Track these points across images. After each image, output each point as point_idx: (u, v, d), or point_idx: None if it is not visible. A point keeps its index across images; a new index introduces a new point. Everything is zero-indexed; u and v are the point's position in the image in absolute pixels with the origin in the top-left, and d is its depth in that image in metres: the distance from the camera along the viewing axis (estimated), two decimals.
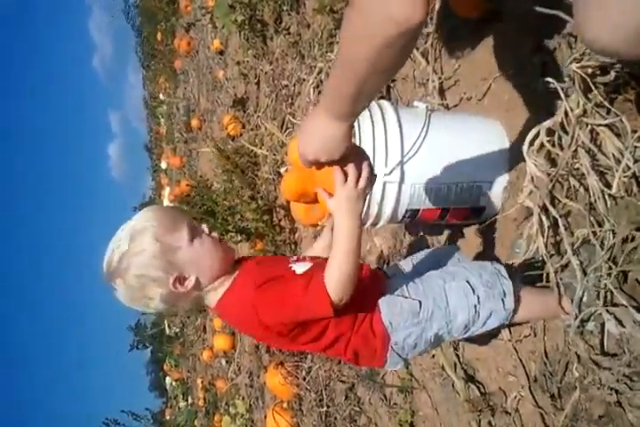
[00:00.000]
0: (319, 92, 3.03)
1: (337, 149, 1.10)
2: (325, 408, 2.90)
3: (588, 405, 1.35)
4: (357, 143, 1.54)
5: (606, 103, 1.29)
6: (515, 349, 1.65)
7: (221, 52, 5.74)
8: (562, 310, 1.39)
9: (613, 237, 1.28)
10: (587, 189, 1.36)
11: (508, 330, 1.68)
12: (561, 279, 1.40)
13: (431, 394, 2.05)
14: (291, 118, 3.53)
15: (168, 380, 10.04)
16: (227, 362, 5.30)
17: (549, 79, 1.39)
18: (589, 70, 1.29)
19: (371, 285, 1.35)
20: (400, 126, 1.58)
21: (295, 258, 1.38)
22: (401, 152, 1.56)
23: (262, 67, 4.10)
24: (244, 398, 4.65)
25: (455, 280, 1.34)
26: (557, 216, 1.41)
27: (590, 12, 0.71)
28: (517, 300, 1.34)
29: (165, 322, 9.40)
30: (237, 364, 4.91)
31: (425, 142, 1.59)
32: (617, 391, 1.25)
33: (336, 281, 1.13)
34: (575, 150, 1.35)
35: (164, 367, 9.96)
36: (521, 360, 1.63)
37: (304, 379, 3.13)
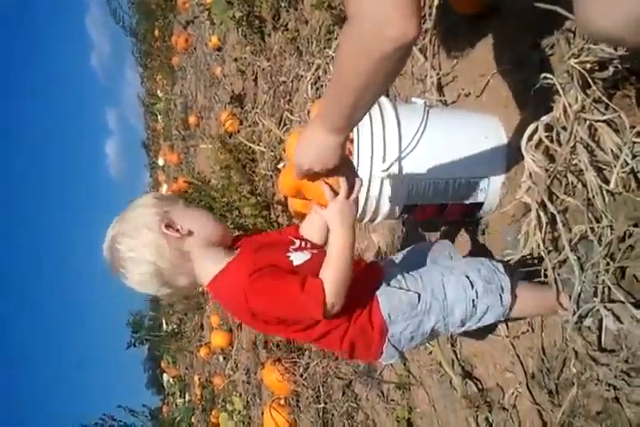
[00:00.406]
0: (317, 89, 3.02)
1: (331, 160, 1.15)
2: (323, 405, 2.89)
3: (586, 401, 1.35)
4: (355, 139, 1.54)
5: (605, 99, 1.29)
6: (512, 345, 1.65)
7: (219, 49, 5.72)
8: (559, 306, 1.39)
9: (611, 234, 1.28)
10: (585, 185, 1.36)
11: (505, 326, 1.68)
12: (559, 275, 1.40)
13: (428, 390, 2.05)
14: (288, 115, 3.52)
15: (165, 377, 10.03)
16: (224, 359, 5.30)
17: (548, 75, 1.39)
18: (588, 66, 1.29)
19: (367, 278, 1.35)
20: (398, 122, 1.58)
21: (296, 246, 1.36)
22: (399, 148, 1.56)
23: (260, 63, 4.09)
24: (241, 395, 4.65)
25: (454, 274, 1.35)
26: (555, 212, 1.40)
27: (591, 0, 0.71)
28: (514, 296, 1.35)
29: (163, 319, 9.40)
30: (235, 361, 4.90)
31: (423, 138, 1.58)
32: (615, 387, 1.25)
33: (329, 289, 1.15)
34: (573, 146, 1.35)
35: (162, 364, 9.95)
36: (518, 356, 1.63)
37: (301, 375, 3.13)
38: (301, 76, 3.29)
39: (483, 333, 1.75)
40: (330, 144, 1.11)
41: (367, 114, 1.56)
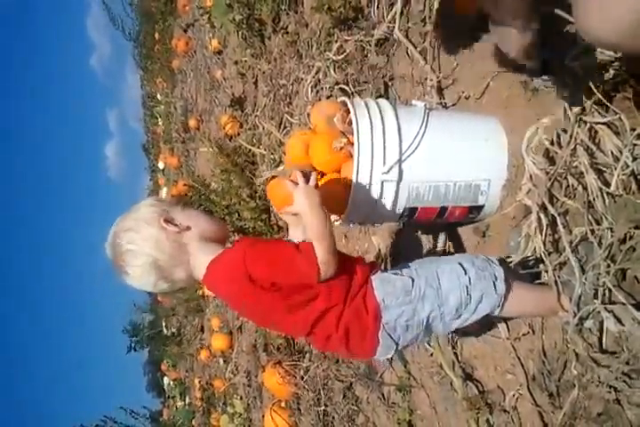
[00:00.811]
0: (317, 92, 3.02)
1: None
2: (323, 407, 2.89)
3: (587, 403, 1.36)
4: (356, 142, 1.54)
5: (605, 101, 1.29)
6: (513, 347, 1.65)
7: (219, 52, 5.73)
8: (560, 307, 1.39)
9: (612, 236, 1.28)
10: (585, 188, 1.37)
11: (506, 328, 1.68)
12: (559, 277, 1.40)
13: (429, 393, 2.05)
14: (289, 118, 3.52)
15: (166, 380, 10.03)
16: (224, 362, 5.30)
17: (548, 77, 1.39)
18: (589, 68, 1.29)
19: (363, 266, 1.40)
20: (398, 125, 1.58)
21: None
22: (399, 151, 1.56)
23: (260, 66, 4.09)
24: (241, 398, 4.65)
25: (448, 264, 1.38)
26: (556, 214, 1.41)
27: (587, 4, 0.72)
28: (509, 285, 1.35)
29: (163, 322, 9.40)
30: (235, 363, 4.91)
31: (423, 141, 1.58)
32: (616, 389, 1.26)
33: (320, 254, 1.25)
34: (574, 148, 1.35)
35: (162, 367, 9.96)
36: (519, 358, 1.63)
37: (302, 378, 3.13)
38: (301, 79, 3.29)
39: (483, 334, 1.76)
40: None
41: (368, 116, 1.57)
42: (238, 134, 4.75)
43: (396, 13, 2.19)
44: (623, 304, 1.25)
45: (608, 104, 1.30)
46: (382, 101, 1.67)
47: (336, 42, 2.70)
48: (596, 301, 1.30)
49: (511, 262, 1.49)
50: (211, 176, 5.09)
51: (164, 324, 9.41)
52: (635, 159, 1.24)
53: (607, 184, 1.31)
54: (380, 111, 1.61)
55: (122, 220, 1.38)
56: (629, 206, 1.24)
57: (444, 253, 1.94)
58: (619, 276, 1.28)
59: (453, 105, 1.95)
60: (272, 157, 3.78)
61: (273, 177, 1.67)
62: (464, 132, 1.68)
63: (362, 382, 2.53)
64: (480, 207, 1.67)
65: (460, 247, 1.88)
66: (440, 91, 2.02)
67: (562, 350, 1.47)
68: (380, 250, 2.45)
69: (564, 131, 1.38)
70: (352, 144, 1.57)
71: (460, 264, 1.37)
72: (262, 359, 4.00)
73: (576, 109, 1.34)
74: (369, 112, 1.59)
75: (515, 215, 1.61)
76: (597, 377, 1.29)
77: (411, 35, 2.16)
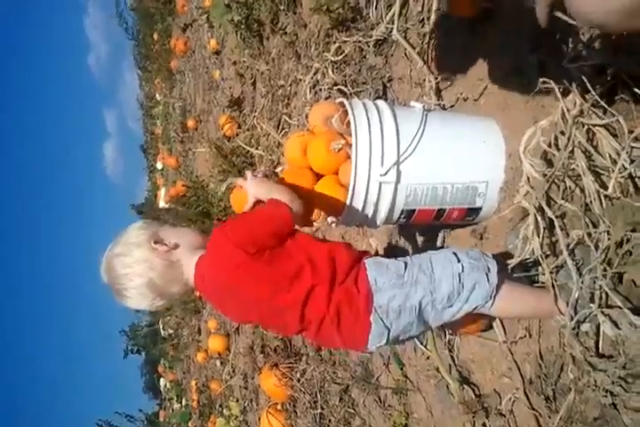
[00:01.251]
0: (315, 93, 3.02)
1: None
2: (320, 410, 2.89)
3: (583, 407, 1.35)
4: (354, 143, 1.53)
5: (603, 103, 1.29)
6: (510, 350, 1.65)
7: (218, 53, 5.73)
8: (557, 310, 1.38)
9: (609, 239, 1.28)
10: (582, 190, 1.36)
11: (502, 331, 1.68)
12: (556, 280, 1.40)
13: (425, 396, 2.04)
14: (287, 119, 3.52)
15: (162, 381, 10.01)
16: (221, 364, 5.28)
17: (546, 79, 1.38)
18: (586, 70, 1.29)
19: (347, 246, 1.44)
20: (397, 126, 1.57)
21: None
22: (397, 152, 1.55)
23: (259, 67, 4.08)
24: (238, 400, 4.63)
25: (442, 253, 1.42)
26: (553, 217, 1.40)
27: None
28: (502, 278, 1.36)
29: (160, 324, 9.38)
30: (232, 365, 4.89)
31: (421, 142, 1.58)
32: (612, 394, 1.25)
33: (284, 198, 1.39)
34: (571, 151, 1.35)
35: (159, 369, 9.94)
36: (515, 362, 1.63)
37: (298, 381, 3.12)
38: (300, 80, 3.28)
39: (480, 338, 1.75)
40: None
41: (366, 117, 1.56)
42: (237, 135, 4.74)
43: (394, 14, 2.18)
44: (620, 308, 1.24)
45: (606, 106, 1.29)
46: (380, 103, 1.66)
47: (334, 43, 2.70)
48: (592, 304, 1.29)
49: (509, 265, 1.48)
50: (209, 177, 5.09)
51: (161, 325, 9.39)
52: (632, 162, 1.23)
53: (604, 187, 1.30)
54: (379, 112, 1.60)
55: (113, 245, 1.45)
56: (627, 209, 1.23)
57: None
58: (615, 279, 1.28)
59: (451, 106, 1.95)
60: (270, 157, 3.77)
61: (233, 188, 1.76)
62: (462, 134, 1.67)
63: (358, 384, 2.52)
64: (478, 209, 1.67)
65: None
66: (438, 92, 2.01)
67: (558, 354, 1.46)
68: (377, 251, 2.44)
69: (562, 133, 1.37)
70: (350, 145, 1.57)
71: (455, 254, 1.39)
72: (259, 361, 3.99)
73: (574, 111, 1.33)
74: (367, 113, 1.59)
75: (512, 218, 1.61)
76: (594, 381, 1.28)
77: (409, 36, 2.15)
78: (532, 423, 1.53)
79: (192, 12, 7.19)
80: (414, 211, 1.64)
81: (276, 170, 3.58)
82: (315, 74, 2.98)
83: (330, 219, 1.65)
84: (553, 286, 1.39)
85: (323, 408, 2.87)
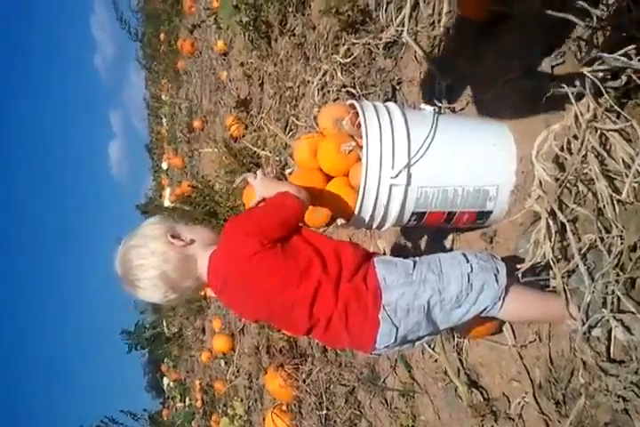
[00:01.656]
0: (323, 95, 3.02)
1: None
2: (325, 411, 2.88)
3: (594, 412, 1.35)
4: (365, 146, 1.53)
5: (617, 108, 1.29)
6: (519, 354, 1.64)
7: (225, 54, 5.73)
8: (568, 315, 1.38)
9: (621, 243, 1.27)
10: (595, 195, 1.36)
11: (512, 335, 1.67)
12: (567, 285, 1.39)
13: (433, 399, 2.03)
14: (294, 120, 3.52)
15: (165, 381, 10.01)
16: (225, 364, 5.28)
17: (560, 83, 1.38)
18: (600, 75, 1.28)
19: (355, 245, 1.46)
20: (407, 129, 1.57)
21: None
22: (408, 155, 1.55)
23: (266, 68, 4.09)
24: (242, 400, 4.63)
25: (450, 254, 1.44)
26: (565, 221, 1.40)
27: None
28: (511, 283, 1.36)
29: (164, 323, 9.38)
30: (236, 365, 4.89)
31: (432, 145, 1.58)
32: (624, 399, 1.24)
33: (291, 191, 1.43)
34: (584, 155, 1.34)
35: (162, 368, 9.93)
36: (525, 366, 1.62)
37: (304, 382, 3.12)
38: (308, 82, 3.28)
39: (489, 341, 1.74)
40: None
41: (377, 119, 1.56)
42: (243, 136, 4.75)
43: (404, 17, 2.18)
44: (632, 313, 1.24)
45: (620, 111, 1.29)
46: (391, 105, 1.66)
47: (343, 45, 2.70)
48: (604, 309, 1.29)
49: (520, 269, 1.48)
50: (215, 177, 5.09)
51: (164, 324, 9.40)
52: None
53: (618, 191, 1.30)
54: (390, 115, 1.60)
55: (128, 238, 1.47)
56: None
57: None
58: (628, 284, 1.27)
59: (462, 110, 1.94)
60: (277, 159, 3.77)
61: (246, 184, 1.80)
62: (473, 137, 1.67)
63: (364, 386, 2.52)
64: (488, 213, 1.67)
65: None
66: (448, 95, 2.01)
67: (569, 359, 1.46)
68: (385, 253, 2.44)
69: (575, 137, 1.37)
70: (361, 147, 1.57)
71: (464, 255, 1.40)
72: (264, 362, 3.99)
73: (587, 116, 1.32)
74: (378, 115, 1.58)
75: (522, 222, 1.60)
76: (605, 386, 1.28)
77: (419, 38, 2.15)
78: None
79: (200, 13, 7.19)
80: (425, 213, 1.64)
81: (285, 172, 3.59)
82: (323, 76, 2.98)
83: (339, 221, 1.65)
84: (564, 290, 1.38)
85: (328, 409, 2.86)
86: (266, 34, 4.02)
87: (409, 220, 1.65)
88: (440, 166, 1.60)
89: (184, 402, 7.99)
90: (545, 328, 1.55)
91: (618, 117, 1.31)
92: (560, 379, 1.48)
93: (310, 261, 1.34)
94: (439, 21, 2.03)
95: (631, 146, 1.27)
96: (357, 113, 1.60)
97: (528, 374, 1.60)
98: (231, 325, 5.14)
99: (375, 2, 2.49)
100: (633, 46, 1.22)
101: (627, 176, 1.26)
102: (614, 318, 1.28)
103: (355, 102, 1.65)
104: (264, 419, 3.61)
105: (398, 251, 2.31)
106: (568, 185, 1.40)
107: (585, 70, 1.30)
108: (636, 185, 1.25)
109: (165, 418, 9.01)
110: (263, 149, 4.12)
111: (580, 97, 1.35)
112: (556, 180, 1.41)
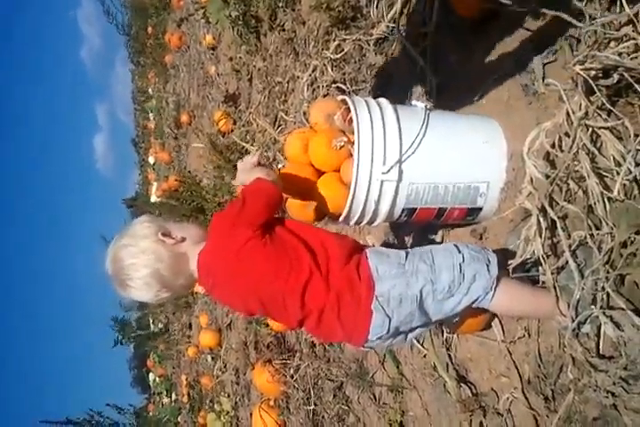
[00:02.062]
0: (313, 90, 3.01)
1: None
2: (313, 407, 2.88)
3: (583, 407, 1.36)
4: (356, 141, 1.53)
5: (608, 106, 1.29)
6: (508, 350, 1.65)
7: (213, 48, 5.70)
8: (558, 311, 1.39)
9: (612, 240, 1.28)
10: (585, 192, 1.36)
11: (501, 331, 1.68)
12: (557, 281, 1.40)
13: (422, 394, 2.04)
14: (283, 115, 3.51)
15: (151, 376, 9.98)
16: (212, 359, 5.27)
17: (551, 80, 1.39)
18: (592, 73, 1.29)
19: (343, 237, 1.49)
20: (399, 125, 1.57)
21: None
22: (399, 151, 1.55)
23: (255, 63, 4.07)
24: (229, 396, 4.63)
25: (442, 245, 1.48)
26: (555, 218, 1.40)
27: None
28: (502, 274, 1.38)
29: (150, 318, 9.35)
30: (223, 361, 4.88)
31: (423, 142, 1.58)
32: (613, 394, 1.25)
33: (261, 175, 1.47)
34: (576, 153, 1.35)
35: (148, 363, 9.90)
36: (514, 362, 1.63)
37: (292, 377, 3.12)
38: (297, 77, 3.27)
39: (478, 337, 1.75)
40: None
41: (369, 115, 1.56)
42: (232, 131, 4.73)
43: (395, 13, 2.18)
44: (622, 310, 1.25)
45: (611, 109, 1.29)
46: (383, 101, 1.66)
47: (334, 40, 2.69)
48: (594, 306, 1.30)
49: (510, 265, 1.49)
50: (203, 172, 5.07)
51: (151, 320, 9.36)
52: (638, 165, 1.24)
53: (608, 189, 1.31)
54: (381, 110, 1.60)
55: (118, 238, 1.47)
56: (631, 212, 1.24)
57: None
58: (618, 281, 1.28)
59: (453, 106, 1.94)
60: (266, 154, 3.76)
61: None
62: (464, 133, 1.67)
63: (353, 382, 2.52)
64: (478, 209, 1.67)
65: None
66: (439, 92, 2.01)
67: (558, 355, 1.47)
68: None
69: (567, 135, 1.37)
70: (352, 143, 1.57)
71: (455, 246, 1.41)
72: (252, 357, 3.99)
73: (579, 113, 1.33)
74: (370, 111, 1.58)
75: (512, 218, 1.61)
76: (594, 382, 1.29)
77: (410, 34, 2.15)
78: (530, 423, 1.54)
79: (187, 6, 7.15)
80: (415, 209, 1.64)
81: (274, 167, 3.58)
82: (313, 71, 2.97)
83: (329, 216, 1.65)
84: (554, 286, 1.39)
85: (316, 405, 2.87)
86: (255, 29, 4.00)
87: (400, 216, 1.65)
88: (431, 163, 1.60)
89: (170, 397, 7.97)
90: (534, 324, 1.56)
91: (609, 115, 1.31)
92: (549, 375, 1.49)
93: (298, 252, 1.35)
94: (430, 18, 2.03)
95: (622, 144, 1.28)
96: (349, 108, 1.60)
97: (517, 369, 1.61)
98: (218, 320, 5.13)
99: None
100: (625, 44, 1.22)
101: (617, 174, 1.27)
102: (604, 314, 1.28)
103: (346, 98, 1.64)
104: (251, 414, 3.61)
105: (387, 246, 2.31)
106: (559, 182, 1.40)
107: (577, 68, 1.30)
108: (626, 183, 1.26)
109: (151, 413, 8.98)
110: (252, 144, 4.10)
111: (572, 95, 1.36)
112: (547, 177, 1.41)
